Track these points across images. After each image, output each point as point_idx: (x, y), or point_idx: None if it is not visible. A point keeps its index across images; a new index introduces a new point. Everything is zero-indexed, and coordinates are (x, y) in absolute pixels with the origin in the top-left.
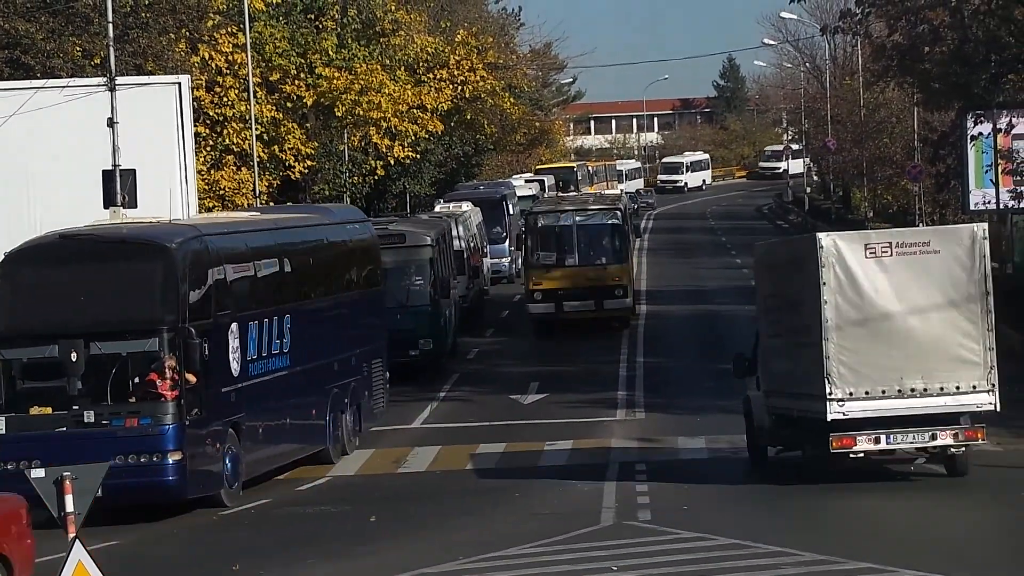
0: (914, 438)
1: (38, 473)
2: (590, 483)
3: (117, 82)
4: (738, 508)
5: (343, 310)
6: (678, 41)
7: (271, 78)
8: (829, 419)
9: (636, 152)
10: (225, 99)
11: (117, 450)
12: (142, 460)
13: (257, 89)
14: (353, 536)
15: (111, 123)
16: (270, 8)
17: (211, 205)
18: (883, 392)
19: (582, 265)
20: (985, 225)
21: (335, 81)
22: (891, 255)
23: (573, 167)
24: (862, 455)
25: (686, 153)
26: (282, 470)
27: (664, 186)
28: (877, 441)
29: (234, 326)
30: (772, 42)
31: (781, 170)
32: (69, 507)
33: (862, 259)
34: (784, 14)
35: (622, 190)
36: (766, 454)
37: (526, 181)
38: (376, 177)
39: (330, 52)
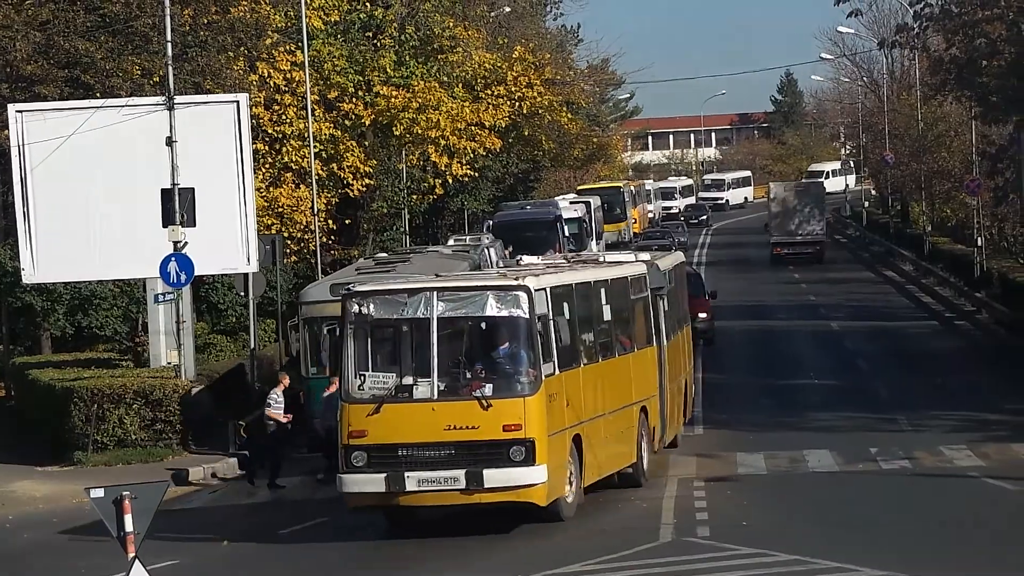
0: (799, 250)
1: (97, 493)
2: (649, 499)
3: (176, 101)
4: (798, 524)
5: None
6: (736, 56)
7: (329, 96)
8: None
9: (694, 168)
10: (284, 117)
11: None
12: None
13: (315, 107)
14: (405, 559)
15: (170, 142)
16: (328, 26)
17: (270, 222)
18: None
19: (446, 398)
20: (823, 181)
21: (393, 99)
22: (792, 190)
23: (620, 187)
24: (783, 254)
25: (671, 178)
26: None
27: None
28: (785, 249)
29: None
30: (829, 56)
31: (723, 201)
32: (128, 527)
33: (782, 191)
34: (841, 29)
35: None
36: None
37: (571, 203)
38: (435, 195)
39: (388, 70)
